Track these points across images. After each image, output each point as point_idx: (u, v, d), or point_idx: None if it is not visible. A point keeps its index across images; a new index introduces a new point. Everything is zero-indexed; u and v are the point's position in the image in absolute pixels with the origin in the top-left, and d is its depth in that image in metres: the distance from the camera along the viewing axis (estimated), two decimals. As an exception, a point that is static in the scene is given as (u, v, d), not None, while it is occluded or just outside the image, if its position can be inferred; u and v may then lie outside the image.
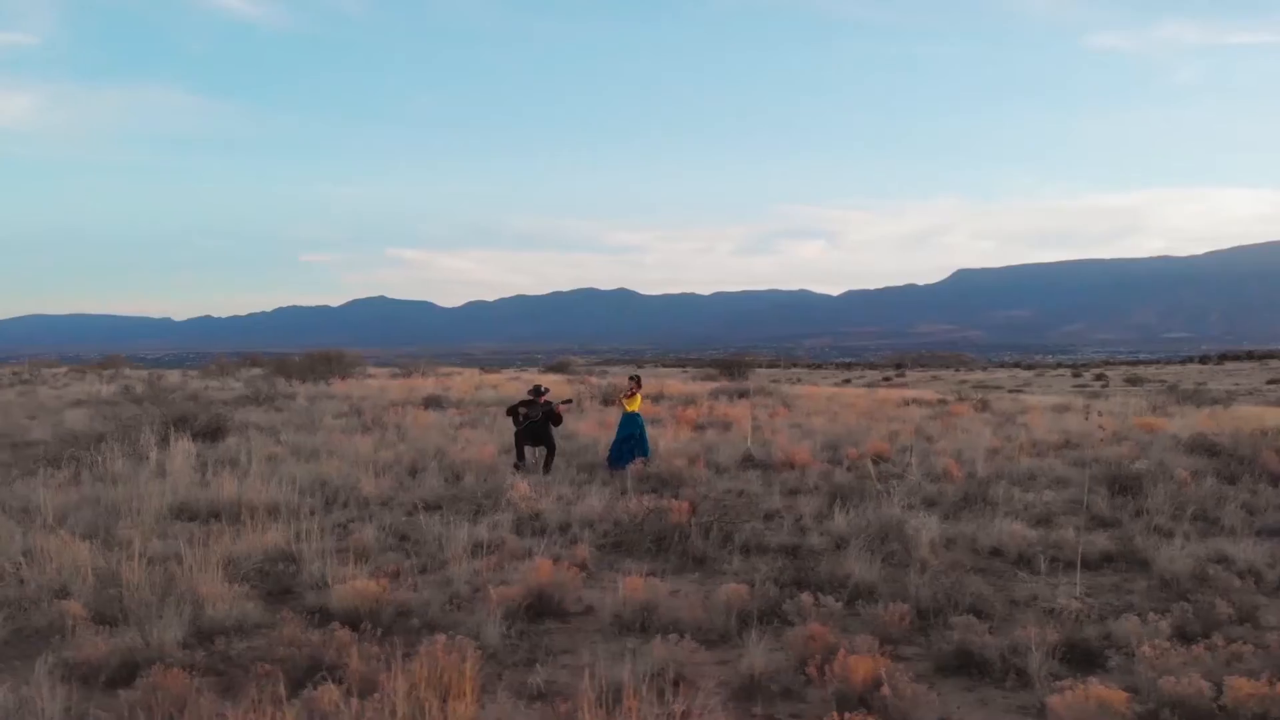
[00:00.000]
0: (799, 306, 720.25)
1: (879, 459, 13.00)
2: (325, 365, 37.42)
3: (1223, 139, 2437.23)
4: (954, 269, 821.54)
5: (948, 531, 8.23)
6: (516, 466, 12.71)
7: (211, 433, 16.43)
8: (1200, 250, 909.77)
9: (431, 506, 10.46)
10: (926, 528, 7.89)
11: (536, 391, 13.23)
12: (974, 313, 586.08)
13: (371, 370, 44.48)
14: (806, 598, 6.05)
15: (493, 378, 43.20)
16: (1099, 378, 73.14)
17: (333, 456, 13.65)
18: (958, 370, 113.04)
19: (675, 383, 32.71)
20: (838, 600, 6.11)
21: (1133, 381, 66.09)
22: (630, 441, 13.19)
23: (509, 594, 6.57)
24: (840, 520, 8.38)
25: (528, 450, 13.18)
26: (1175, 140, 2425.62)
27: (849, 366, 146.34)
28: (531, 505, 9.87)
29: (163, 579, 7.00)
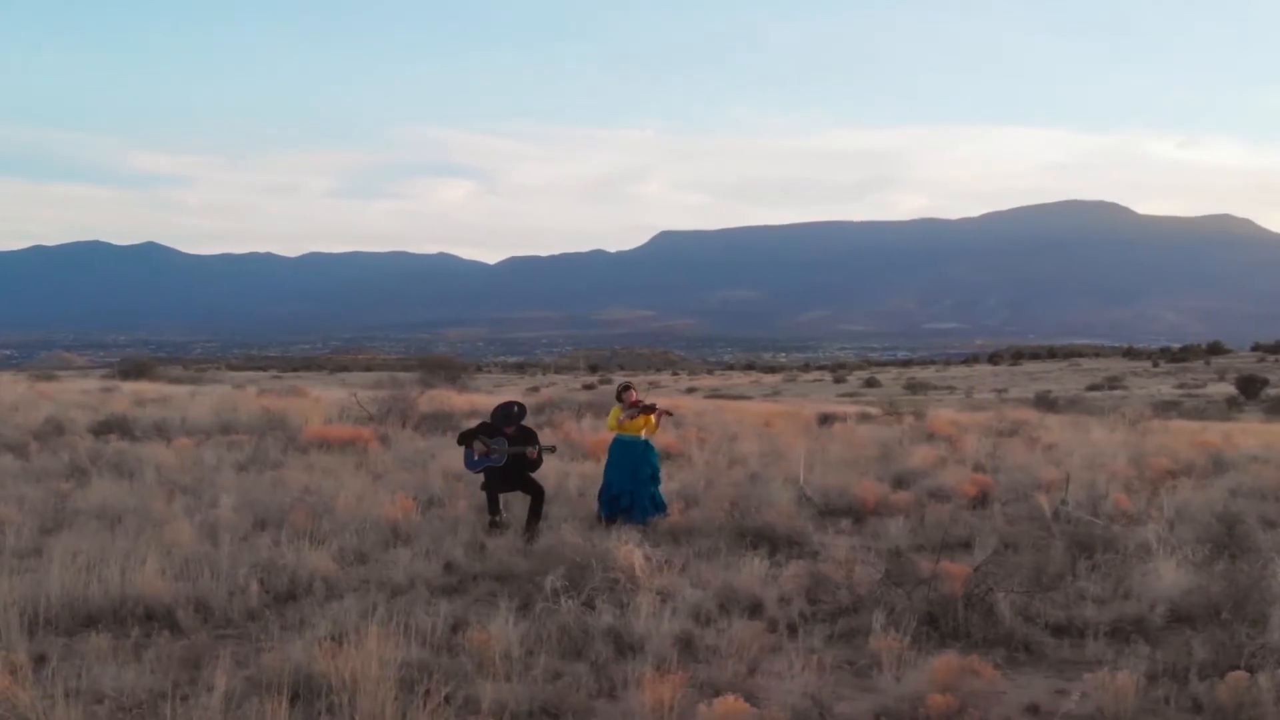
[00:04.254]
0: (439, 278, 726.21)
1: (983, 496, 14.30)
2: None
3: (1003, 59, 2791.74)
4: (654, 230, 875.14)
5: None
6: (493, 523, 12.35)
7: None
8: (975, 211, 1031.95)
9: (450, 590, 10.08)
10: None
11: (506, 416, 12.77)
12: (682, 294, 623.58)
13: None
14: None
15: (62, 387, 39.55)
16: (869, 383, 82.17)
17: (119, 518, 12.29)
18: (676, 374, 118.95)
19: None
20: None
21: (913, 388, 75.19)
22: (640, 485, 13.13)
23: (933, 709, 6.67)
24: (1170, 580, 9.28)
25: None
26: (938, 58, 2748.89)
27: (521, 369, 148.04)
28: (653, 579, 9.76)
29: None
